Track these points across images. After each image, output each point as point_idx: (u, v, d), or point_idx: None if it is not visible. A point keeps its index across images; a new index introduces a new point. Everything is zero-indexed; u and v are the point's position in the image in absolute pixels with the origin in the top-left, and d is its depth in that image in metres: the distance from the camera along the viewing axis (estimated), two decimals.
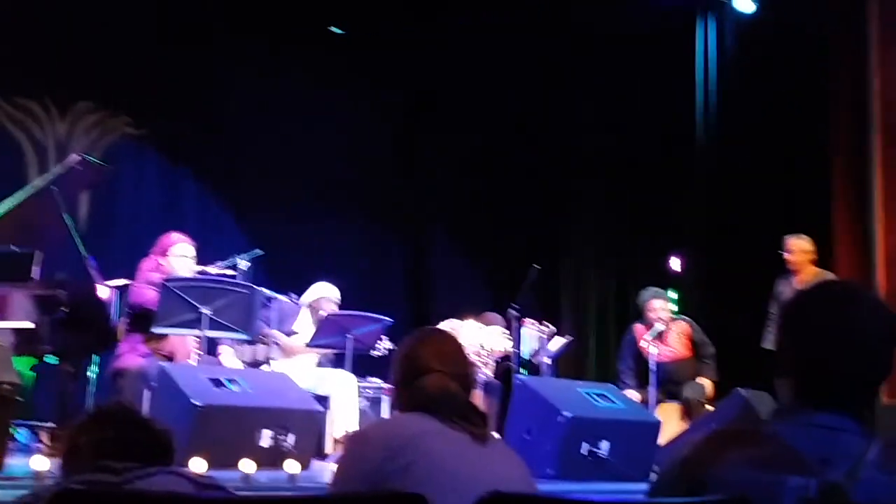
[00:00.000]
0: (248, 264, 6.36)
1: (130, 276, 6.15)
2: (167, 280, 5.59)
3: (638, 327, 7.58)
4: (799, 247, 7.06)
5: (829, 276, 6.86)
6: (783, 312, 1.90)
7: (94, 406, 2.36)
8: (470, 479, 2.13)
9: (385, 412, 6.80)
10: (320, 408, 5.55)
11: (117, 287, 6.21)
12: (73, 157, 6.39)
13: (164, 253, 6.04)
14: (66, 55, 7.95)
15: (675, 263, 9.14)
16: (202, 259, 6.21)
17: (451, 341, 2.51)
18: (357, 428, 5.99)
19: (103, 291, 6.08)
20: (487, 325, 7.64)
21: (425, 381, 2.32)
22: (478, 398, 7.22)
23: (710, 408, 6.93)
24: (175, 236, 6.12)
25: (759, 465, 1.70)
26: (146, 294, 5.75)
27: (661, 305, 7.41)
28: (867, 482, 1.68)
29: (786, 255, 7.11)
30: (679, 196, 9.16)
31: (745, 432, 1.79)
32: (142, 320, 5.74)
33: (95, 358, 6.24)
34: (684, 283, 8.93)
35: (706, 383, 7.32)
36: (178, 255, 6.02)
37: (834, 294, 1.85)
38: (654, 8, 8.82)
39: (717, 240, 8.63)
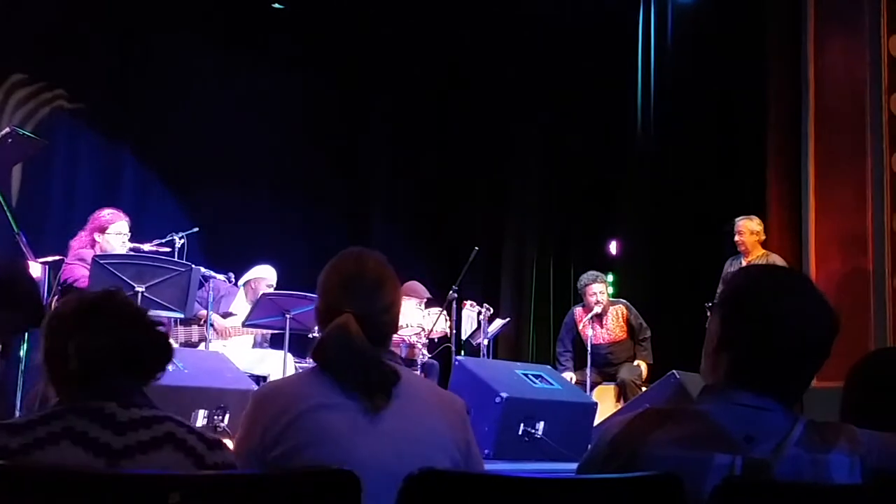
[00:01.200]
0: (184, 242, 6.27)
1: (63, 252, 6.03)
2: (99, 257, 5.49)
3: (577, 310, 7.66)
4: (748, 228, 7.00)
5: (777, 258, 6.82)
6: (728, 292, 1.89)
7: (79, 296, 1.97)
8: (354, 461, 1.82)
9: None
10: (256, 387, 5.50)
11: (49, 263, 6.09)
12: (5, 130, 6.24)
13: (98, 230, 5.92)
14: None
15: (613, 247, 9.25)
16: (138, 236, 6.10)
17: (371, 267, 2.14)
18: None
19: (35, 268, 5.95)
20: (408, 295, 7.40)
21: (329, 331, 2.06)
22: None
23: (645, 389, 7.02)
24: (109, 213, 5.99)
25: (686, 443, 1.72)
26: (78, 271, 5.64)
27: (600, 289, 7.49)
28: (791, 460, 1.71)
29: (736, 237, 7.06)
30: (618, 181, 9.24)
31: (673, 411, 1.81)
32: None
33: (26, 336, 6.12)
34: (622, 266, 9.05)
35: (642, 365, 7.42)
36: (113, 233, 5.91)
37: (782, 282, 1.87)
38: None
39: (654, 224, 8.73)
